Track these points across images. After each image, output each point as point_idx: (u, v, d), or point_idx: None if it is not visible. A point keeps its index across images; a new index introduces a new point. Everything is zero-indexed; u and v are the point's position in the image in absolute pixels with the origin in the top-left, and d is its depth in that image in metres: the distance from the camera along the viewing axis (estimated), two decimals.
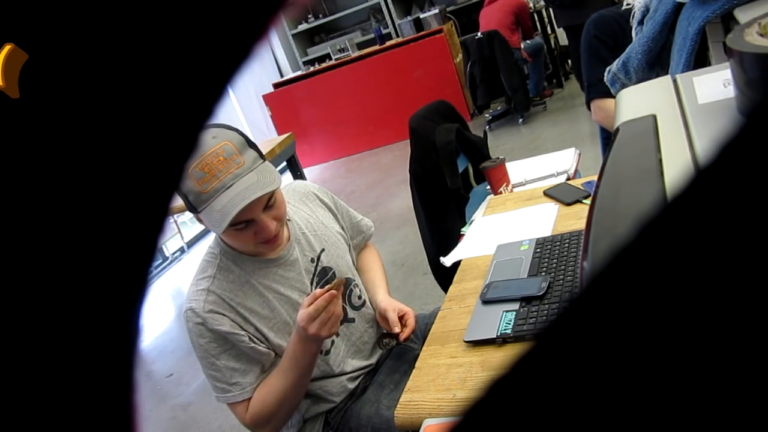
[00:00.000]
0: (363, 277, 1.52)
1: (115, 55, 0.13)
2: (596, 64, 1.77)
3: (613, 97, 1.59)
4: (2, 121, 0.13)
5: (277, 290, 1.29)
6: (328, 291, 1.15)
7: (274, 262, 1.30)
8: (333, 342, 1.36)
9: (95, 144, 0.14)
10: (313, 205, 1.45)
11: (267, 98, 6.82)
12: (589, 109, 1.86)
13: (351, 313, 1.41)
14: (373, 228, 1.61)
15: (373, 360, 1.43)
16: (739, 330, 0.12)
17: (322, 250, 1.38)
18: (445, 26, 6.17)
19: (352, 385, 1.38)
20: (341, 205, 1.51)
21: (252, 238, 1.21)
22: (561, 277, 1.24)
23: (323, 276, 1.37)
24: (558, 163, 2.11)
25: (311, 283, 1.34)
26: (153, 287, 4.57)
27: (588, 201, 1.57)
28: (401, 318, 1.38)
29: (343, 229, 1.48)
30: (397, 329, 1.35)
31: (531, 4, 5.77)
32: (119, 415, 0.15)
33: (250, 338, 1.23)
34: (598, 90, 1.77)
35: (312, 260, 1.36)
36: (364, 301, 1.45)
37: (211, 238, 1.34)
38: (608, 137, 1.96)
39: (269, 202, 1.19)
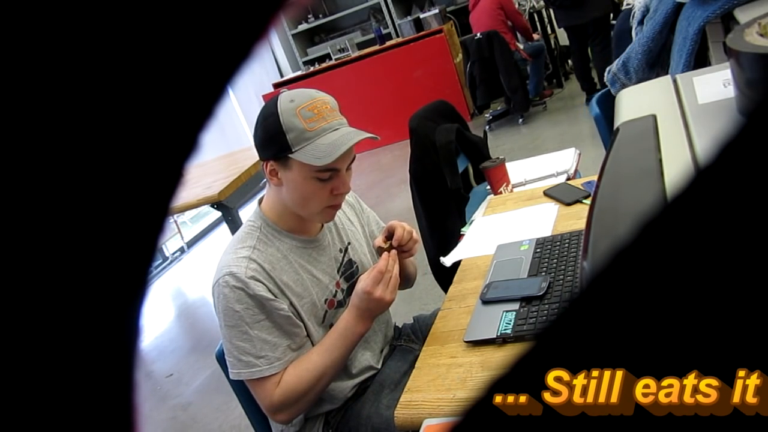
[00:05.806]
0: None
1: (114, 54, 0.13)
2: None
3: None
4: (2, 119, 0.13)
5: (310, 271, 1.32)
6: (382, 253, 1.24)
7: (310, 244, 1.34)
8: None
9: (95, 143, 0.14)
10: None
11: (267, 98, 6.73)
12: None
13: None
14: None
15: (379, 365, 1.44)
16: (738, 329, 0.12)
17: (349, 243, 1.44)
18: (445, 26, 6.17)
19: (355, 389, 1.39)
20: (366, 208, 1.57)
21: (327, 196, 1.25)
22: (561, 277, 1.24)
23: (348, 268, 1.41)
24: (558, 163, 2.11)
25: (338, 272, 1.38)
26: (153, 287, 4.57)
27: (588, 201, 1.57)
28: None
29: (365, 232, 1.52)
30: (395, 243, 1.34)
31: (531, 4, 5.76)
32: (119, 415, 0.15)
33: (289, 305, 1.25)
34: None
35: (340, 250, 1.41)
36: None
37: (251, 208, 1.38)
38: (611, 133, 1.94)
39: (350, 164, 1.28)
